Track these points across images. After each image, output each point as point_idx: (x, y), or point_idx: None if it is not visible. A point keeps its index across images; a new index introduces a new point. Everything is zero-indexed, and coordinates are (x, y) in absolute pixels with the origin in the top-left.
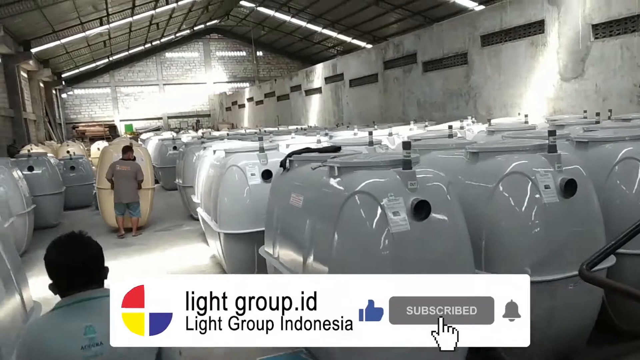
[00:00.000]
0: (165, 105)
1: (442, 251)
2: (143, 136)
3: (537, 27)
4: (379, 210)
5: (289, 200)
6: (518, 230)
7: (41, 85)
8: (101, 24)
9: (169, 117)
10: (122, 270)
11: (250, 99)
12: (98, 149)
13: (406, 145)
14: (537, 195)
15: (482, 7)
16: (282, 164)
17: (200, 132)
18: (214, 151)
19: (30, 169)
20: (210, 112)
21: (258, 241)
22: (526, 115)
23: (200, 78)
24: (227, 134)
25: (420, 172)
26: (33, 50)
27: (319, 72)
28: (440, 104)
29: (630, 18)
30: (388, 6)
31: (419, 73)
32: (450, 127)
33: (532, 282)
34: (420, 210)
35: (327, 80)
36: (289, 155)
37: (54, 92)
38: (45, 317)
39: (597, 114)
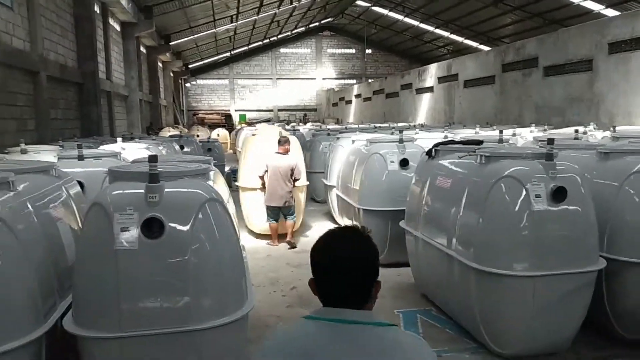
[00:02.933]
0: (276, 98)
1: (573, 233)
2: (260, 126)
3: None
4: (524, 192)
5: (436, 182)
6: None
7: (171, 74)
8: (231, 22)
9: (279, 110)
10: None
11: (358, 95)
12: (218, 135)
13: (550, 141)
14: None
15: (607, 9)
16: (429, 153)
17: (309, 124)
18: (353, 141)
19: (182, 147)
20: (317, 106)
21: (392, 218)
22: None
23: (310, 74)
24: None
25: (559, 164)
26: (170, 44)
27: (432, 72)
28: (560, 109)
29: None
30: (507, 7)
31: (539, 77)
32: (576, 130)
33: None
34: (559, 194)
35: (440, 79)
36: (435, 145)
37: (180, 81)
38: (294, 327)
39: None
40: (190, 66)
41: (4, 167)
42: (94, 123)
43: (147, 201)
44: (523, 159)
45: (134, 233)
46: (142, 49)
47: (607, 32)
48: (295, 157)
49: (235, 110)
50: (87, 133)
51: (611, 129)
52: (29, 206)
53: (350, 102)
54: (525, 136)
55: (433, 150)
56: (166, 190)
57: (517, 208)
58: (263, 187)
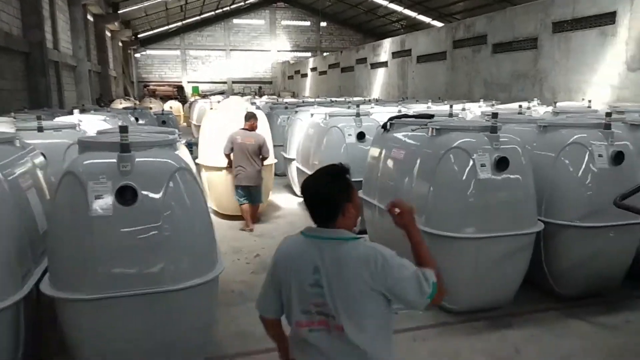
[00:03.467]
0: (230, 70)
1: (514, 199)
2: (214, 98)
3: (608, 18)
4: (470, 162)
5: (391, 154)
6: (574, 189)
7: (120, 44)
8: None
9: (233, 82)
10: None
11: (313, 69)
12: (171, 107)
13: (494, 115)
14: (592, 163)
15: None
16: (384, 126)
17: (265, 97)
18: (312, 115)
19: (137, 119)
20: (272, 79)
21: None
22: (589, 101)
23: (265, 45)
24: (315, 101)
25: (503, 137)
26: (119, 12)
27: (386, 47)
28: (507, 85)
29: None
30: None
31: (487, 54)
32: (520, 106)
33: (579, 227)
34: (502, 164)
35: (394, 54)
36: (390, 119)
37: (129, 51)
38: (294, 237)
39: None
40: (139, 36)
41: None
42: (43, 94)
43: (119, 170)
44: (470, 131)
45: (108, 200)
46: (90, 17)
47: (551, 12)
48: (263, 133)
49: (188, 82)
50: (36, 105)
51: (552, 104)
52: None
53: (305, 75)
54: (474, 111)
55: (388, 123)
56: (137, 159)
57: (464, 177)
58: (229, 167)
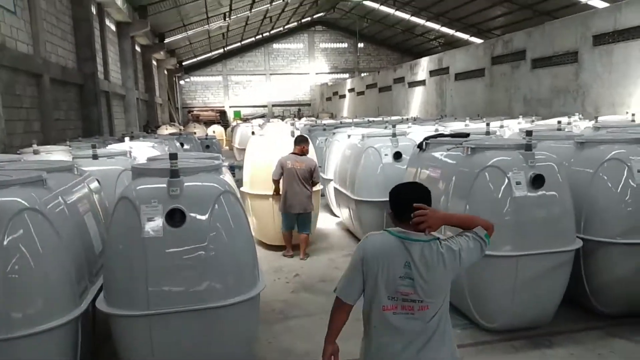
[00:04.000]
0: (270, 93)
1: (551, 216)
2: (255, 122)
3: None
4: (506, 180)
5: (427, 173)
6: (613, 205)
7: (165, 72)
8: (224, 18)
9: (273, 105)
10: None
11: (351, 90)
12: (214, 131)
13: (529, 133)
14: (631, 178)
15: (594, 0)
16: (420, 146)
17: (303, 119)
18: (349, 136)
19: (182, 144)
20: (310, 101)
21: (386, 208)
22: (633, 114)
23: (303, 69)
24: (352, 122)
25: (538, 154)
26: (165, 42)
27: (423, 65)
28: (547, 100)
29: None
30: None
31: (527, 69)
32: (559, 122)
33: (619, 244)
34: (537, 181)
35: (432, 73)
36: (426, 138)
37: (174, 78)
38: (384, 234)
39: None
40: (184, 64)
41: (35, 167)
42: (95, 123)
43: (169, 194)
44: (505, 149)
45: (159, 222)
46: (137, 48)
47: (592, 25)
48: (313, 157)
49: (230, 107)
50: (89, 133)
51: (594, 119)
52: (61, 200)
53: (343, 96)
54: (513, 128)
55: (424, 143)
56: (185, 184)
57: (500, 195)
58: (277, 193)
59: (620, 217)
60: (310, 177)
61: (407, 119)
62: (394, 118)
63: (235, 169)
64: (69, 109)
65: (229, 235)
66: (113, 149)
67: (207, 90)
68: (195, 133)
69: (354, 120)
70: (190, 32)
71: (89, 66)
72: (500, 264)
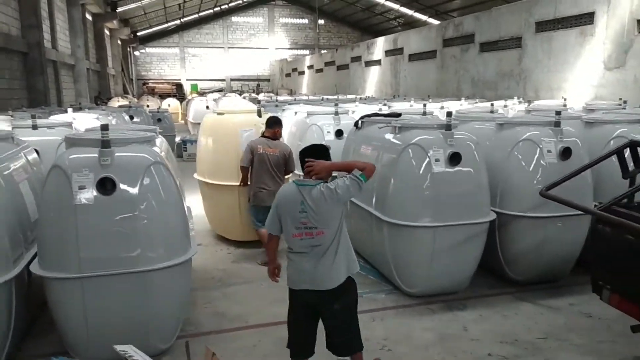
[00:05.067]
0: (228, 67)
1: (467, 191)
2: (211, 96)
3: (587, 18)
4: (427, 157)
5: (360, 150)
6: (525, 182)
7: (119, 42)
8: None
9: (231, 80)
10: None
11: (310, 67)
12: (169, 105)
13: (448, 114)
14: (541, 158)
15: None
16: (356, 124)
17: (261, 95)
18: (295, 112)
19: (131, 117)
20: (270, 77)
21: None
22: (565, 99)
23: (263, 43)
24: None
25: (458, 134)
26: (117, 10)
27: (380, 45)
28: (493, 83)
29: None
30: None
31: (475, 53)
32: (492, 104)
33: (529, 217)
34: (454, 159)
35: (388, 53)
36: (361, 117)
37: (128, 49)
38: (290, 184)
39: (624, 102)
40: (138, 34)
41: None
42: (41, 93)
43: (100, 164)
44: (428, 129)
45: (90, 190)
46: (88, 16)
47: (534, 12)
48: (286, 142)
49: (187, 80)
50: (34, 103)
51: (530, 102)
52: None
53: (303, 73)
54: (453, 109)
55: (359, 121)
56: (117, 154)
57: (421, 170)
58: (244, 184)
59: (531, 193)
60: (284, 164)
61: (362, 98)
62: (349, 96)
63: (187, 143)
64: (12, 78)
65: (160, 204)
66: (55, 120)
67: (163, 62)
68: (147, 106)
69: (310, 97)
70: (144, 1)
71: (34, 34)
72: (419, 234)
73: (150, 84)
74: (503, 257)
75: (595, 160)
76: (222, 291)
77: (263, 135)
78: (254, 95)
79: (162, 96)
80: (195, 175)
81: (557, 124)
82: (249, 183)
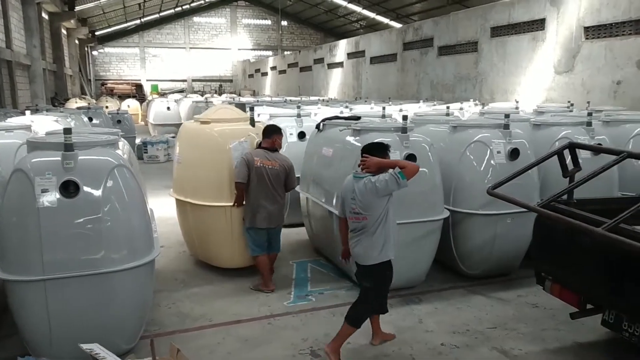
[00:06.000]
0: (190, 68)
1: (422, 190)
2: (172, 97)
3: (539, 24)
4: None
5: (322, 151)
6: (476, 182)
7: (76, 42)
8: None
9: (193, 80)
10: None
11: (273, 68)
12: (128, 106)
13: (404, 117)
14: (492, 158)
15: None
16: (318, 127)
17: (224, 96)
18: (258, 115)
19: (90, 119)
20: (232, 77)
21: None
22: (517, 102)
23: (225, 44)
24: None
25: (413, 136)
26: (75, 10)
27: (342, 47)
28: (451, 86)
29: (615, 24)
30: None
31: (434, 56)
32: (447, 107)
33: (480, 215)
34: (410, 160)
35: (350, 55)
36: (323, 120)
37: (86, 49)
38: (349, 175)
39: (572, 104)
40: (97, 33)
41: None
42: None
43: (63, 167)
44: (385, 132)
45: (53, 194)
46: (45, 15)
47: (490, 17)
48: (286, 154)
49: (147, 80)
50: None
51: (484, 105)
52: None
53: (266, 74)
54: (412, 111)
55: (321, 124)
56: (80, 157)
57: None
58: (238, 203)
59: (482, 191)
60: (285, 179)
61: (324, 100)
62: (312, 98)
63: (148, 145)
64: None
65: (123, 206)
66: (13, 122)
67: (122, 63)
68: (107, 107)
69: (273, 99)
70: (103, 0)
71: None
72: None
73: (109, 85)
74: (457, 253)
75: (538, 160)
76: (186, 292)
77: (259, 147)
78: (209, 98)
79: (122, 97)
80: (172, 194)
81: (506, 126)
82: (244, 203)
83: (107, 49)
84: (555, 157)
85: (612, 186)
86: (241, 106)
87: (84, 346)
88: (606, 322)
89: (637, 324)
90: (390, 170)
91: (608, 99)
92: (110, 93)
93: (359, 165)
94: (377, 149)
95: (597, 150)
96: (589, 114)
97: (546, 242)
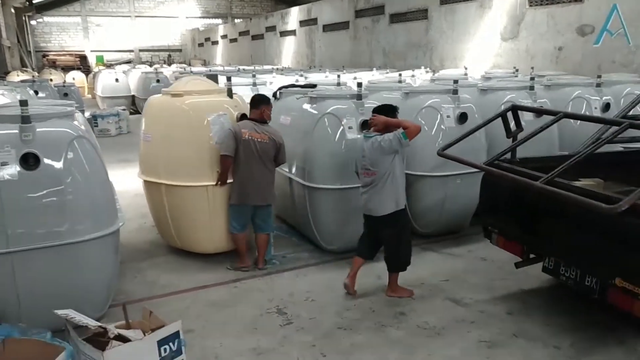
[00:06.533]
0: (136, 38)
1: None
2: (119, 68)
3: None
4: (340, 125)
5: (280, 120)
6: (427, 145)
7: (12, 11)
8: None
9: (140, 50)
10: None
11: (224, 36)
12: (73, 78)
13: (359, 84)
14: (442, 123)
15: None
16: (274, 95)
17: (174, 66)
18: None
19: (36, 92)
20: (181, 47)
21: None
22: (466, 68)
23: (172, 12)
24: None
25: (368, 103)
26: None
27: (294, 15)
28: (402, 53)
29: None
30: None
31: (386, 24)
32: (400, 74)
33: (431, 176)
34: (365, 126)
35: (302, 23)
36: (280, 88)
37: (24, 18)
38: (360, 137)
39: (517, 70)
40: (34, 1)
41: None
42: None
43: (21, 139)
44: (341, 99)
45: (13, 166)
46: None
47: None
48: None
49: (91, 51)
50: None
51: (432, 73)
52: None
53: (216, 42)
54: (365, 79)
55: (278, 92)
56: (38, 129)
57: (336, 137)
58: (222, 180)
59: (433, 154)
60: (276, 154)
61: (279, 69)
62: (266, 67)
63: (99, 118)
64: None
65: (85, 177)
66: None
67: (64, 33)
68: (51, 80)
69: (225, 68)
70: None
71: None
72: (333, 196)
73: (51, 56)
74: (412, 213)
75: (483, 122)
76: (151, 262)
77: (249, 118)
78: (159, 68)
79: (65, 69)
80: (140, 175)
81: (455, 92)
82: (228, 181)
83: (46, 19)
84: (500, 119)
85: (553, 146)
86: (213, 77)
87: (59, 312)
88: (546, 269)
89: (572, 267)
90: (395, 132)
91: (551, 64)
92: (53, 65)
93: (368, 124)
94: (386, 110)
95: (536, 111)
96: (532, 79)
97: (491, 197)
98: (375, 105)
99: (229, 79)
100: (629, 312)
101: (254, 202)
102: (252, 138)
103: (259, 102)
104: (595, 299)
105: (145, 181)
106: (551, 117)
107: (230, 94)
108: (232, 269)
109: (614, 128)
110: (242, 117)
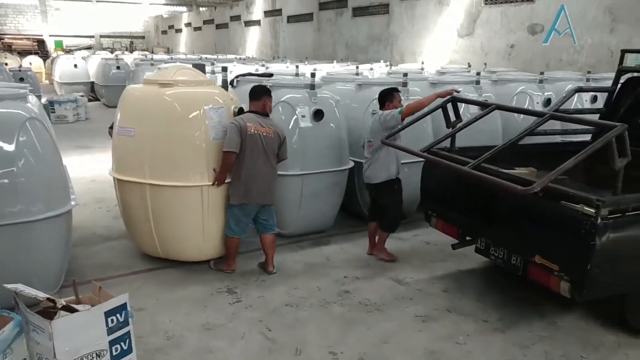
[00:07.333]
0: (97, 23)
1: (329, 143)
2: (79, 53)
3: None
4: (295, 114)
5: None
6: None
7: None
8: None
9: (101, 36)
10: None
11: (188, 25)
12: (30, 63)
13: (312, 75)
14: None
15: None
16: (231, 83)
17: (136, 53)
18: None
19: None
20: (144, 34)
21: None
22: (423, 63)
23: None
24: (182, 58)
25: (321, 93)
26: None
27: (259, 5)
28: (364, 47)
29: None
30: None
31: (348, 17)
32: (357, 67)
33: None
34: (318, 115)
35: (267, 13)
36: (236, 76)
37: None
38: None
39: (469, 65)
40: None
41: None
42: None
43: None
44: (295, 88)
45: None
46: None
47: None
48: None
49: (50, 36)
50: None
51: (390, 66)
52: None
53: (180, 30)
54: (324, 71)
55: (234, 80)
56: None
57: (290, 125)
58: (221, 180)
59: None
60: (279, 149)
61: (241, 59)
62: (229, 56)
63: (56, 104)
64: None
65: (37, 159)
66: None
67: (20, 15)
68: (6, 64)
69: (188, 56)
70: None
71: None
72: (289, 182)
73: (6, 40)
74: (361, 200)
75: (426, 112)
76: (105, 245)
77: (250, 110)
78: (152, 55)
79: (22, 53)
80: (114, 174)
81: (404, 84)
82: (227, 180)
83: (1, 0)
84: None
85: (496, 137)
86: (200, 67)
87: (9, 286)
88: (478, 249)
89: (500, 248)
90: (393, 110)
91: (503, 61)
92: (9, 49)
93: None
94: (385, 93)
95: (471, 103)
96: (478, 74)
97: (430, 183)
98: (327, 96)
99: (224, 69)
100: (546, 286)
101: (259, 201)
102: (258, 132)
103: (261, 93)
104: (520, 276)
105: (120, 180)
106: (486, 109)
107: (225, 86)
108: (215, 269)
109: (539, 119)
110: (240, 111)
